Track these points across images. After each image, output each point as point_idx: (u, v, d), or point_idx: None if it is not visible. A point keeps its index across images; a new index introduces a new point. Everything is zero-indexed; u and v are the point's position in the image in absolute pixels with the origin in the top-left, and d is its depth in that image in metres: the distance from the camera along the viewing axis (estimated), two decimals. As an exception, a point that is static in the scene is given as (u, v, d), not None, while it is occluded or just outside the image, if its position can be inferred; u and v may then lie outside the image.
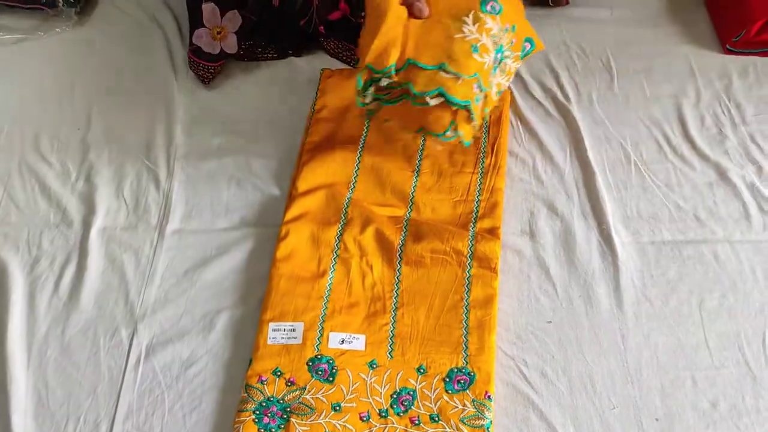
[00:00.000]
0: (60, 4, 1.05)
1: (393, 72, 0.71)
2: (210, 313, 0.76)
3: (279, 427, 0.67)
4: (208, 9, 0.93)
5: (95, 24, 1.08)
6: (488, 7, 0.73)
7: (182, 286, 0.78)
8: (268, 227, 0.82)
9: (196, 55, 0.96)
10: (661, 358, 0.72)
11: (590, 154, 0.90)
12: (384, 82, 0.72)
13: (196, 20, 0.95)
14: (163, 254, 0.80)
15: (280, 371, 0.70)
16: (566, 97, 0.97)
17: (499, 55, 0.75)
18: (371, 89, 0.74)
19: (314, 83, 0.97)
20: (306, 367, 0.71)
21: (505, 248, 0.81)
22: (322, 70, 0.98)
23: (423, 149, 0.89)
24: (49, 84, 0.99)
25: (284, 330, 0.73)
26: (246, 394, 0.69)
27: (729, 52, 1.04)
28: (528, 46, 0.81)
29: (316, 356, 0.71)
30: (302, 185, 0.84)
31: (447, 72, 0.70)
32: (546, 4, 1.09)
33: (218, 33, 0.94)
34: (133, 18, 1.09)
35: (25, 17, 1.07)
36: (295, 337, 0.72)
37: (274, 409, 0.68)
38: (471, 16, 0.72)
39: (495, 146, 0.89)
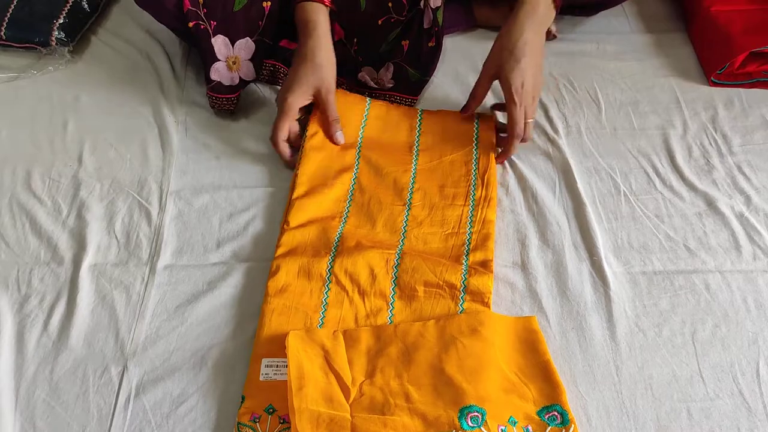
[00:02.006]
0: (53, 43, 1.06)
1: None
2: (201, 350, 0.75)
3: None
4: (219, 41, 0.94)
5: (88, 62, 1.09)
6: (468, 422, 0.66)
7: (173, 322, 0.77)
8: (260, 262, 0.82)
9: (215, 91, 0.96)
10: (655, 389, 0.72)
11: (580, 185, 0.90)
12: None
13: (208, 57, 0.95)
14: (154, 290, 0.80)
15: (273, 408, 0.69)
16: (555, 129, 0.99)
17: None
18: None
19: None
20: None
21: (497, 280, 0.81)
22: None
23: (414, 182, 0.90)
24: (42, 122, 0.99)
25: (277, 366, 0.72)
26: None
27: (714, 84, 1.06)
28: (557, 415, 0.69)
29: None
30: (294, 220, 0.84)
31: None
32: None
33: (233, 63, 0.96)
34: (126, 56, 1.10)
35: (19, 56, 1.08)
36: (283, 374, 0.71)
37: None
38: None
39: (485, 178, 0.89)
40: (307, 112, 0.94)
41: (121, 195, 0.89)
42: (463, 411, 0.66)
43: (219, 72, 0.95)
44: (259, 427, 0.68)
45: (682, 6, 1.19)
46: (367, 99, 1.00)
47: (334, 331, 0.74)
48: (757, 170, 0.94)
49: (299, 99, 0.90)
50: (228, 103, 0.98)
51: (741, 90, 1.06)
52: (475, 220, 0.85)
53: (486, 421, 0.66)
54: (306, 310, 0.76)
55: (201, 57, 0.96)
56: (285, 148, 0.91)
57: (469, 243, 0.83)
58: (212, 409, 0.70)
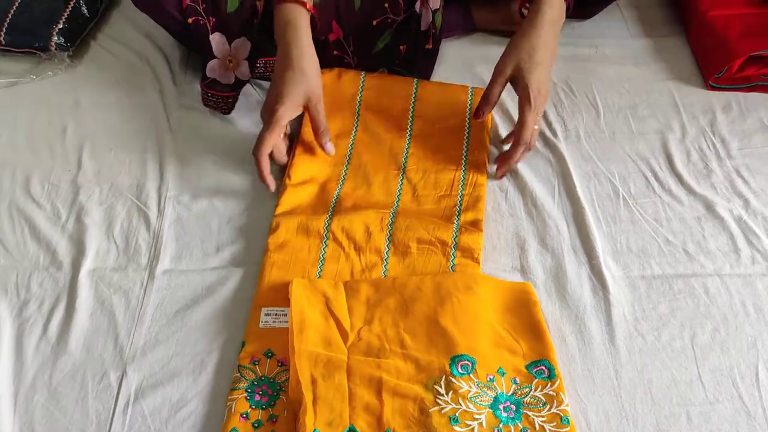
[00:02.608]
0: (52, 48, 1.06)
1: None
2: (200, 354, 0.75)
3: (270, 404, 0.70)
4: (216, 39, 0.94)
5: (87, 67, 1.09)
6: (459, 369, 0.70)
7: (173, 326, 0.77)
8: (259, 266, 0.82)
9: (210, 87, 0.96)
10: (655, 393, 0.72)
11: (579, 189, 0.91)
12: None
13: (205, 54, 0.95)
14: (153, 295, 0.80)
15: (271, 352, 0.73)
16: (554, 133, 0.99)
17: (504, 405, 0.69)
18: None
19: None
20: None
21: (497, 285, 0.81)
22: None
23: (409, 148, 0.93)
24: (41, 126, 0.99)
25: (276, 315, 0.76)
26: (238, 374, 0.71)
27: (712, 88, 1.06)
28: (545, 370, 0.72)
29: None
30: (295, 176, 0.89)
31: None
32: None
33: (230, 62, 0.96)
34: (125, 60, 1.10)
35: (18, 61, 1.08)
36: (286, 321, 0.75)
37: (265, 387, 0.71)
38: (443, 383, 0.69)
39: (478, 143, 0.94)
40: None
41: (120, 200, 0.89)
42: (455, 359, 0.71)
43: (215, 70, 0.95)
44: (258, 369, 0.72)
45: (680, 11, 1.19)
46: (362, 72, 1.03)
47: (336, 282, 0.78)
48: (756, 174, 0.94)
49: (289, 111, 0.86)
50: (222, 102, 0.98)
51: (739, 94, 1.06)
52: (466, 183, 0.89)
53: (476, 369, 0.70)
54: (304, 264, 0.81)
55: (200, 54, 0.96)
56: (266, 164, 0.86)
57: (461, 204, 0.87)
58: (211, 414, 0.70)
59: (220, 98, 0.98)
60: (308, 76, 0.86)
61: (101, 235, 0.85)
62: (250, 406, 0.69)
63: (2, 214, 0.88)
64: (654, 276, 0.82)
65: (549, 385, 0.71)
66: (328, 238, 0.82)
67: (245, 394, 0.70)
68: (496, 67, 0.90)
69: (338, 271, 0.80)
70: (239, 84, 0.98)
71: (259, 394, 0.70)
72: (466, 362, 0.70)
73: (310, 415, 0.66)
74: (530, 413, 0.69)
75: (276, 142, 0.87)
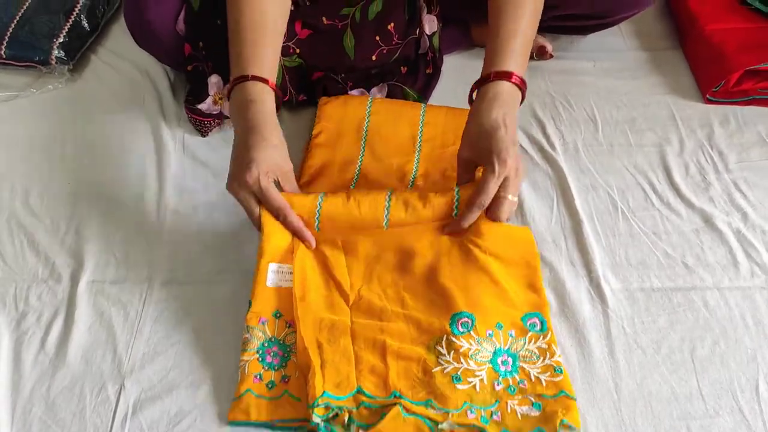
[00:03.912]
0: (53, 62, 1.07)
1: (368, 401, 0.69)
2: (199, 367, 0.74)
3: (281, 365, 0.72)
4: (214, 80, 0.96)
5: (87, 80, 1.10)
6: (459, 327, 0.72)
7: (171, 339, 0.77)
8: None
9: (194, 113, 0.98)
10: (655, 407, 0.72)
11: (577, 202, 0.91)
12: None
13: (200, 90, 0.97)
14: (152, 307, 0.80)
15: (279, 313, 0.75)
16: (552, 146, 0.99)
17: (502, 359, 0.72)
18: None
19: (303, 138, 0.98)
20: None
21: (496, 297, 0.81)
22: (318, 98, 1.01)
23: (417, 170, 0.93)
24: (41, 140, 1.00)
25: (283, 272, 0.76)
26: (248, 335, 0.73)
27: (710, 101, 1.07)
28: (538, 323, 0.75)
29: None
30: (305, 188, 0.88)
31: (435, 408, 0.68)
32: (531, 57, 1.11)
33: (220, 98, 0.97)
34: (125, 74, 1.10)
35: (19, 75, 1.09)
36: (290, 280, 0.76)
37: (276, 349, 0.73)
38: (444, 343, 0.71)
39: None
40: None
41: (119, 212, 0.90)
42: (455, 317, 0.73)
43: (204, 103, 0.97)
44: (267, 329, 0.74)
45: (677, 25, 1.20)
46: (369, 97, 1.03)
47: (334, 240, 0.79)
48: (754, 187, 0.94)
49: (264, 176, 0.76)
50: (201, 126, 0.99)
51: (737, 107, 1.06)
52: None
53: (475, 326, 0.72)
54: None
55: (192, 89, 0.97)
56: (296, 220, 0.79)
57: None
58: (210, 427, 0.70)
59: (198, 122, 0.99)
60: (279, 149, 0.79)
61: (100, 248, 0.85)
62: (263, 368, 0.72)
63: (1, 227, 0.88)
64: (653, 289, 0.82)
65: (541, 338, 0.74)
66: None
67: (257, 356, 0.72)
68: (457, 155, 0.83)
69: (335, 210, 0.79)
70: (222, 116, 0.99)
71: (270, 355, 0.73)
72: (466, 319, 0.73)
73: (319, 378, 0.68)
74: (526, 366, 0.72)
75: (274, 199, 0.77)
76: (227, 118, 0.99)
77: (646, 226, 0.89)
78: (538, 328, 0.75)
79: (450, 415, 0.68)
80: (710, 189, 0.94)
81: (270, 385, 0.71)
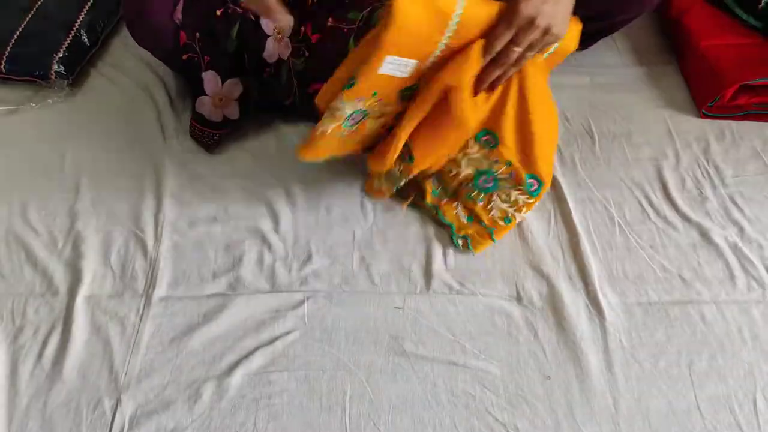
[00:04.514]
0: (53, 77, 1.07)
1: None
2: (196, 382, 0.74)
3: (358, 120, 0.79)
4: (209, 77, 0.95)
5: (87, 95, 1.10)
6: (482, 140, 0.83)
7: (168, 354, 0.77)
8: (256, 293, 0.82)
9: (198, 122, 0.97)
10: (653, 421, 0.72)
11: (575, 216, 0.91)
12: None
13: (197, 89, 0.96)
14: (149, 322, 0.80)
15: (376, 93, 0.77)
16: (549, 161, 0.99)
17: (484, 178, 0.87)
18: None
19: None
20: (397, 94, 0.78)
21: (493, 311, 0.81)
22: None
23: None
24: (40, 154, 1.00)
25: (398, 64, 0.73)
26: (340, 106, 0.75)
27: (705, 116, 1.07)
28: (535, 184, 0.85)
29: (409, 87, 0.77)
30: None
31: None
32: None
33: (220, 100, 0.96)
34: (124, 89, 1.11)
35: (18, 89, 1.09)
36: (403, 72, 0.74)
37: (360, 117, 0.79)
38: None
39: None
40: None
41: (117, 226, 0.90)
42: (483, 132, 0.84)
43: (204, 105, 0.96)
44: (361, 105, 0.77)
45: (672, 40, 1.21)
46: None
47: None
48: (750, 201, 0.95)
49: None
50: (208, 138, 0.99)
51: (732, 122, 1.07)
52: None
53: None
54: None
55: (191, 88, 0.97)
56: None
57: None
58: (206, 442, 0.70)
59: (206, 134, 0.98)
60: None
61: (98, 262, 0.85)
62: (340, 125, 0.78)
63: (-1, 241, 0.88)
64: (650, 303, 0.82)
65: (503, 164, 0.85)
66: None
67: (341, 123, 0.77)
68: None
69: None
70: (227, 123, 0.98)
71: (352, 120, 0.79)
72: (489, 137, 0.83)
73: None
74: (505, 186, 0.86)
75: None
76: (231, 125, 0.99)
77: (643, 240, 0.89)
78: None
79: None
80: (706, 203, 0.94)
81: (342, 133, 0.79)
